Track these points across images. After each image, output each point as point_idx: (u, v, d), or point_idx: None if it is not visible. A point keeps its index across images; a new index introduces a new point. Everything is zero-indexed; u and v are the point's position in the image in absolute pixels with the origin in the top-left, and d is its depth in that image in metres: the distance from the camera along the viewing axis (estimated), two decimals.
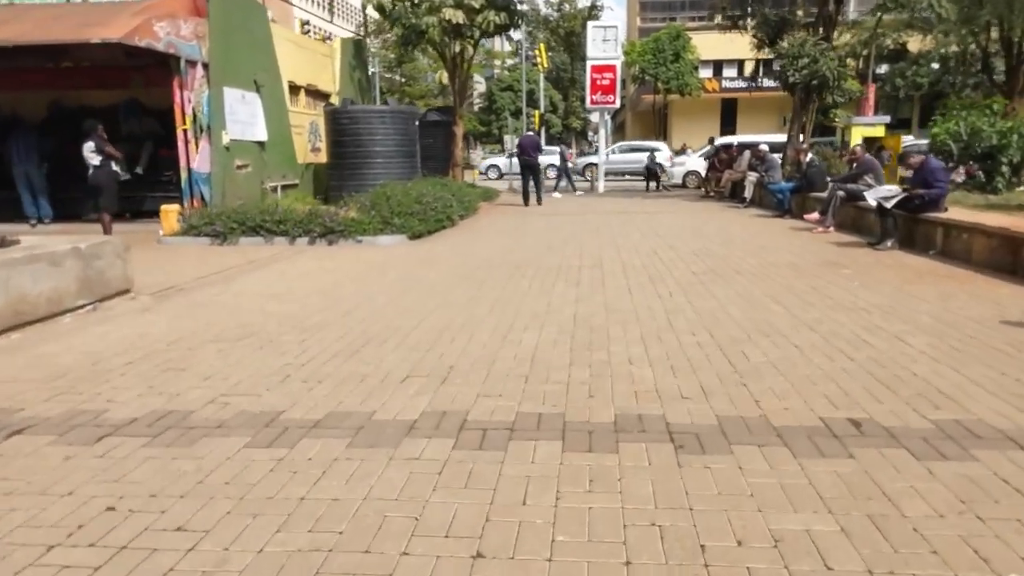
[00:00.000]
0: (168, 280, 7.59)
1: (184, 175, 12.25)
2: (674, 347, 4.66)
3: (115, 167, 10.06)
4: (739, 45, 45.48)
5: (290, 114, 15.18)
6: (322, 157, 15.98)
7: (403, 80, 41.40)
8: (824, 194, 12.46)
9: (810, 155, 12.98)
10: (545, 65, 32.50)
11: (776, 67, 19.61)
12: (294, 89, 15.58)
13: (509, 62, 46.80)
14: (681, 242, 9.96)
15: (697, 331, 5.05)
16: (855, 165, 10.63)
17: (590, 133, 52.71)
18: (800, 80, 15.31)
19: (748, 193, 15.44)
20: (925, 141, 30.85)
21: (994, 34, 28.89)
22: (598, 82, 24.94)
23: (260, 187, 13.79)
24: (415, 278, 7.44)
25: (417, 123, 15.77)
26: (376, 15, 20.06)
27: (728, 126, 44.00)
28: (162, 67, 12.06)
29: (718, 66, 44.61)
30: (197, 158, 12.27)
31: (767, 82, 43.27)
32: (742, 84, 43.32)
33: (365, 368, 4.33)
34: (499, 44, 53.19)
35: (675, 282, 6.94)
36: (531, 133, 19.38)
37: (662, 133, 43.18)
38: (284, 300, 6.46)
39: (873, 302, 5.89)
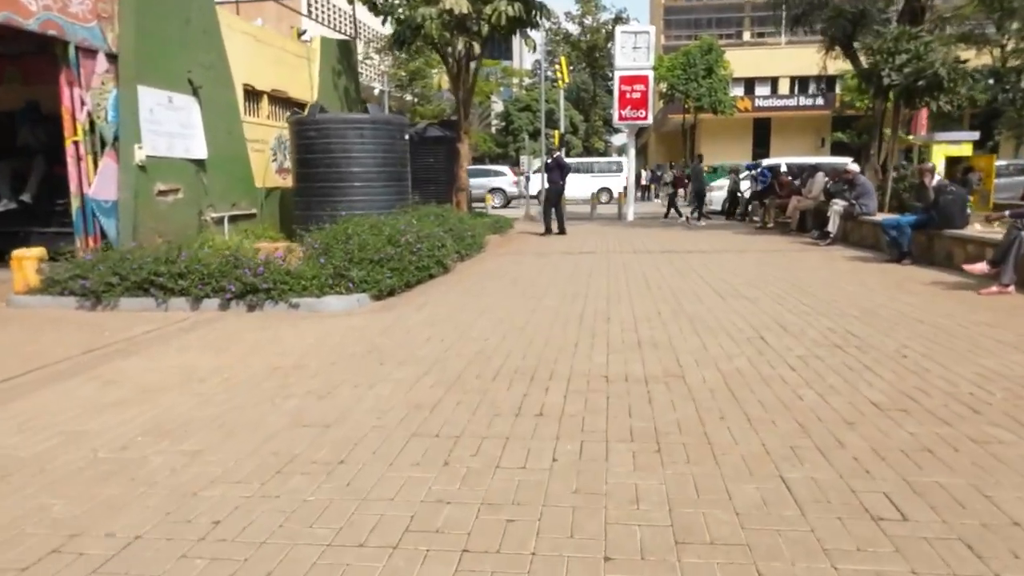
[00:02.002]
0: None
1: (76, 203, 8.72)
2: None
3: None
4: (773, 62, 41.92)
5: (246, 126, 11.65)
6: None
7: (416, 100, 38.13)
8: (968, 232, 8.65)
9: (937, 178, 9.16)
10: (566, 79, 29.05)
11: (840, 69, 15.91)
12: (254, 95, 12.07)
13: (527, 80, 43.48)
14: (789, 311, 6.18)
15: None
16: None
17: (613, 154, 49.12)
18: (900, 81, 11.54)
19: (832, 227, 11.62)
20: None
21: None
22: (627, 95, 21.30)
23: (198, 219, 10.23)
24: (330, 415, 3.72)
25: (407, 137, 12.18)
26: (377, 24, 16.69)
27: (761, 147, 40.27)
28: (47, 56, 8.59)
29: (750, 84, 40.99)
30: (95, 181, 8.73)
31: (803, 100, 39.64)
32: (777, 103, 39.60)
33: None
34: (518, 61, 49.85)
35: (865, 446, 3.17)
36: (558, 154, 15.76)
37: (690, 155, 39.47)
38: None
39: None
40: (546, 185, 15.49)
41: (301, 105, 13.54)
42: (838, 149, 33.45)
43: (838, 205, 11.57)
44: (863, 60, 15.12)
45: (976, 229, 8.79)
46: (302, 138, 11.24)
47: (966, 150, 17.96)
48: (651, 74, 21.48)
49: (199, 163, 10.30)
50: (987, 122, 36.01)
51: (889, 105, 15.20)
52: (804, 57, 41.31)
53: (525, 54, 54.27)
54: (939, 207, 8.78)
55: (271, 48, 12.57)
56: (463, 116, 14.49)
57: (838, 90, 37.18)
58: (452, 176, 14.95)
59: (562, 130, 32.31)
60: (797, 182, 15.39)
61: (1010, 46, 33.26)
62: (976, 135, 19.45)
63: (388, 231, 8.23)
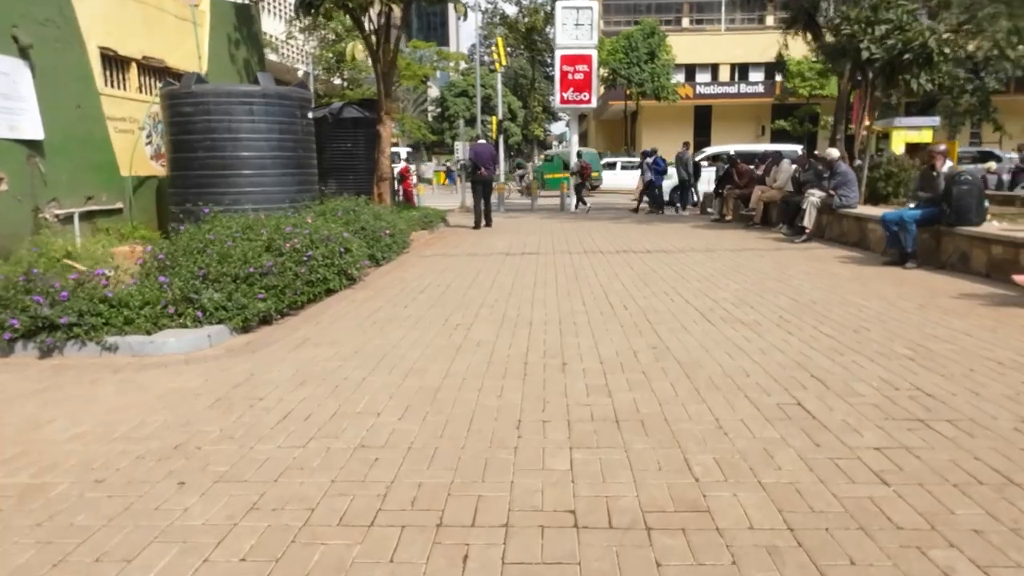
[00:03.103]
0: None
1: None
2: None
3: None
4: (713, 48, 40.81)
5: (106, 100, 9.26)
6: None
7: (345, 84, 35.44)
8: (990, 230, 7.06)
9: (948, 163, 7.55)
10: (503, 62, 27.07)
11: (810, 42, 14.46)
12: (117, 62, 9.66)
13: (464, 65, 41.23)
14: (812, 347, 4.38)
15: None
16: None
17: (554, 143, 47.35)
18: (881, 55, 9.99)
19: (808, 221, 10.00)
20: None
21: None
22: (569, 76, 19.51)
23: (33, 218, 7.88)
24: None
25: (311, 115, 9.96)
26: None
27: (702, 135, 39.16)
28: None
29: (690, 70, 39.78)
30: None
31: (744, 87, 38.73)
32: (717, 89, 38.52)
33: None
34: (454, 45, 47.46)
35: None
36: (484, 141, 14.22)
37: (631, 144, 38.06)
38: None
39: None
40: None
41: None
42: (780, 137, 32.46)
43: (815, 196, 9.96)
44: (829, 36, 13.66)
45: (995, 226, 7.24)
46: (176, 115, 8.93)
47: (926, 136, 16.81)
48: (595, 53, 19.74)
49: (33, 145, 7.92)
50: (923, 110, 35.72)
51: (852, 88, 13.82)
52: (745, 44, 40.40)
53: (462, 38, 51.92)
54: (952, 199, 7.18)
55: (142, 6, 10.14)
56: (384, 94, 12.32)
57: (778, 77, 36.32)
58: (374, 163, 12.77)
59: (500, 116, 30.37)
60: (759, 171, 13.86)
61: (945, 36, 32.65)
62: (936, 120, 18.42)
63: (268, 234, 6.13)
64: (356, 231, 8.44)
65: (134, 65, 9.98)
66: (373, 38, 12.11)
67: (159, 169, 10.23)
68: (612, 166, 29.28)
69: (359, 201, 9.47)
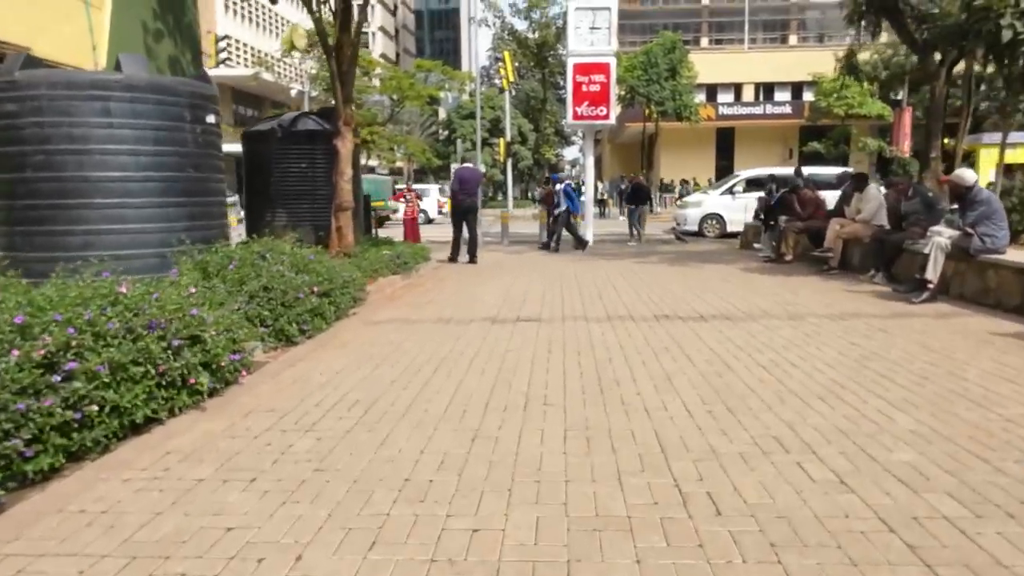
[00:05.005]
0: None
1: None
2: None
3: None
4: (736, 67, 37.72)
5: None
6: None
7: None
8: None
9: None
10: (511, 78, 24.19)
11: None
12: None
13: (471, 84, 38.57)
14: None
15: None
16: None
17: (567, 167, 44.36)
18: None
19: (933, 272, 6.71)
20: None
21: None
22: (584, 88, 16.44)
23: None
24: None
25: (213, 119, 6.83)
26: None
27: (724, 159, 36.03)
28: None
29: (711, 90, 36.68)
30: None
31: (770, 108, 35.61)
32: (741, 111, 35.36)
33: None
34: (466, 63, 44.82)
35: None
36: (470, 164, 11.65)
37: (648, 167, 34.91)
38: None
39: None
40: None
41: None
42: (812, 159, 29.10)
43: (943, 237, 6.68)
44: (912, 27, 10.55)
45: None
46: None
47: (1021, 156, 13.57)
48: (613, 61, 16.67)
49: None
50: (972, 130, 32.30)
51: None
52: (770, 62, 37.28)
53: (474, 59, 49.36)
54: None
55: None
56: (341, 99, 9.26)
57: (808, 96, 33.20)
58: (334, 188, 9.66)
59: (508, 138, 27.41)
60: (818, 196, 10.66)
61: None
62: None
63: None
64: (254, 294, 5.31)
65: None
66: (331, 26, 9.08)
67: None
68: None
69: (274, 244, 6.29)
